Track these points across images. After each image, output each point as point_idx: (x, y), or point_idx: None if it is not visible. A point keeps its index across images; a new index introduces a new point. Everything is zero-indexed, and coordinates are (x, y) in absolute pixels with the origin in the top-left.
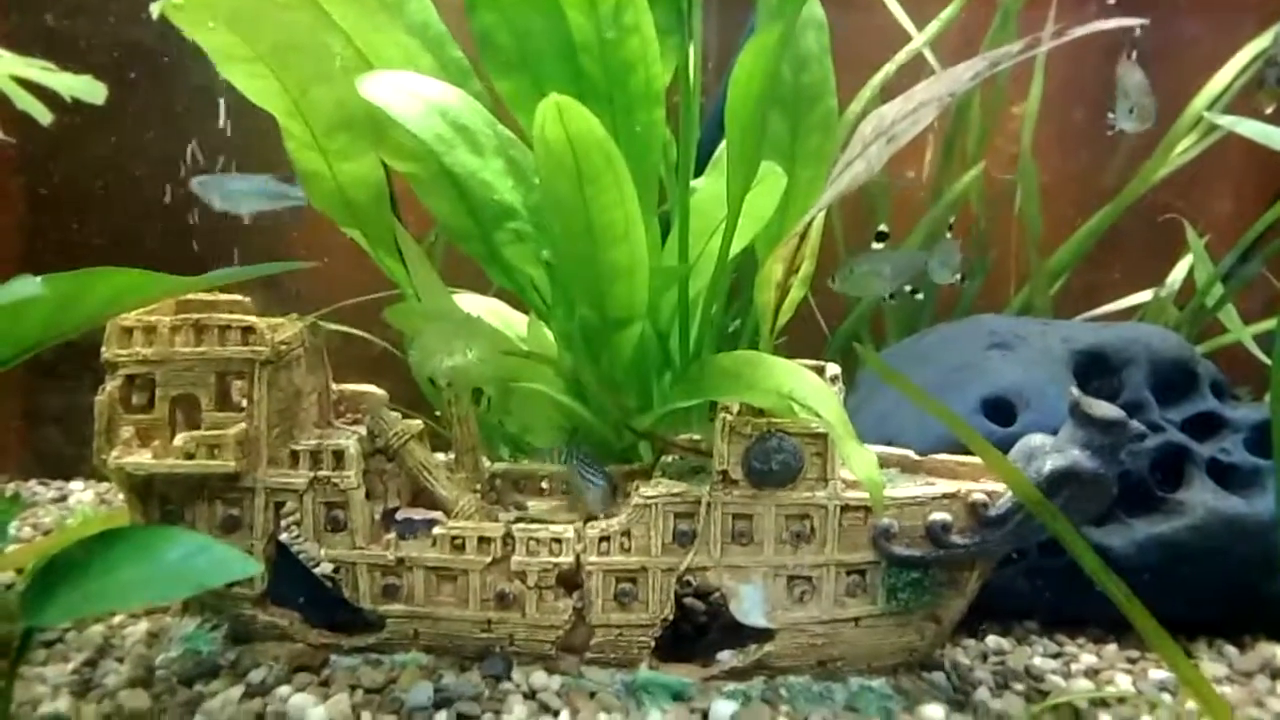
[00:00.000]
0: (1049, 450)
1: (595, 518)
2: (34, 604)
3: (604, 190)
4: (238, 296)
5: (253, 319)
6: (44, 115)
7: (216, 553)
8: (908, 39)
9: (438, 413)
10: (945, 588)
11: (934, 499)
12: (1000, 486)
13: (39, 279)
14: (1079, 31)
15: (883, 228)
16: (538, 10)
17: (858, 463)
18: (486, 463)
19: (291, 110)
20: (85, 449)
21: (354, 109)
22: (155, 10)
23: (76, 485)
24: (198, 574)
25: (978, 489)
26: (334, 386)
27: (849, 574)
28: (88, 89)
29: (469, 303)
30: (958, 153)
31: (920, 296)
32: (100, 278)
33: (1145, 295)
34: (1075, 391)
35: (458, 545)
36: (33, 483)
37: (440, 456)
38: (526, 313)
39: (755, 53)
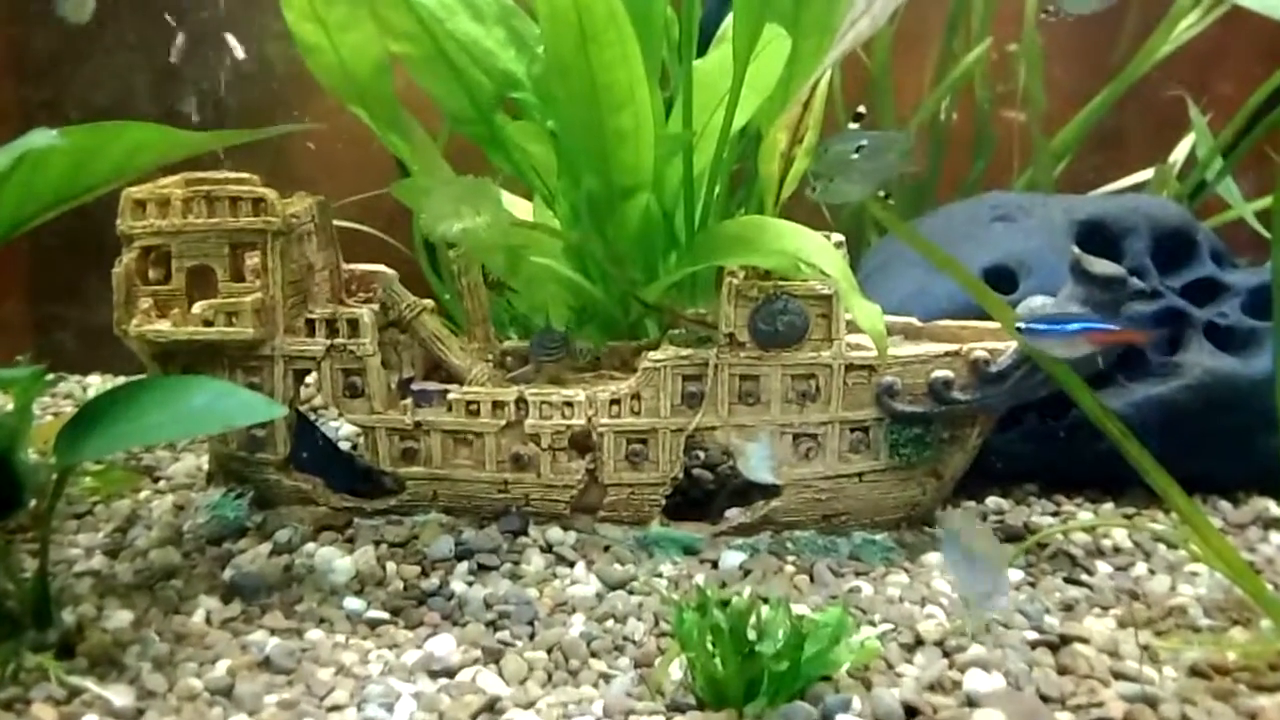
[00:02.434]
0: (1050, 309)
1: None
2: (67, 445)
3: (607, 48)
4: (246, 175)
5: (263, 190)
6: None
7: (241, 396)
8: None
9: (446, 296)
10: (947, 444)
11: (936, 356)
12: (1001, 344)
13: (55, 131)
14: None
15: (860, 109)
16: None
17: (863, 316)
18: (496, 343)
19: None
20: (101, 345)
21: None
22: None
23: (94, 379)
24: (223, 415)
25: (979, 346)
26: (344, 266)
27: (853, 431)
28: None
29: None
30: (961, 30)
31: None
32: (117, 132)
33: (1148, 174)
34: (1076, 250)
35: (473, 410)
36: (51, 378)
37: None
38: (530, 201)
39: None
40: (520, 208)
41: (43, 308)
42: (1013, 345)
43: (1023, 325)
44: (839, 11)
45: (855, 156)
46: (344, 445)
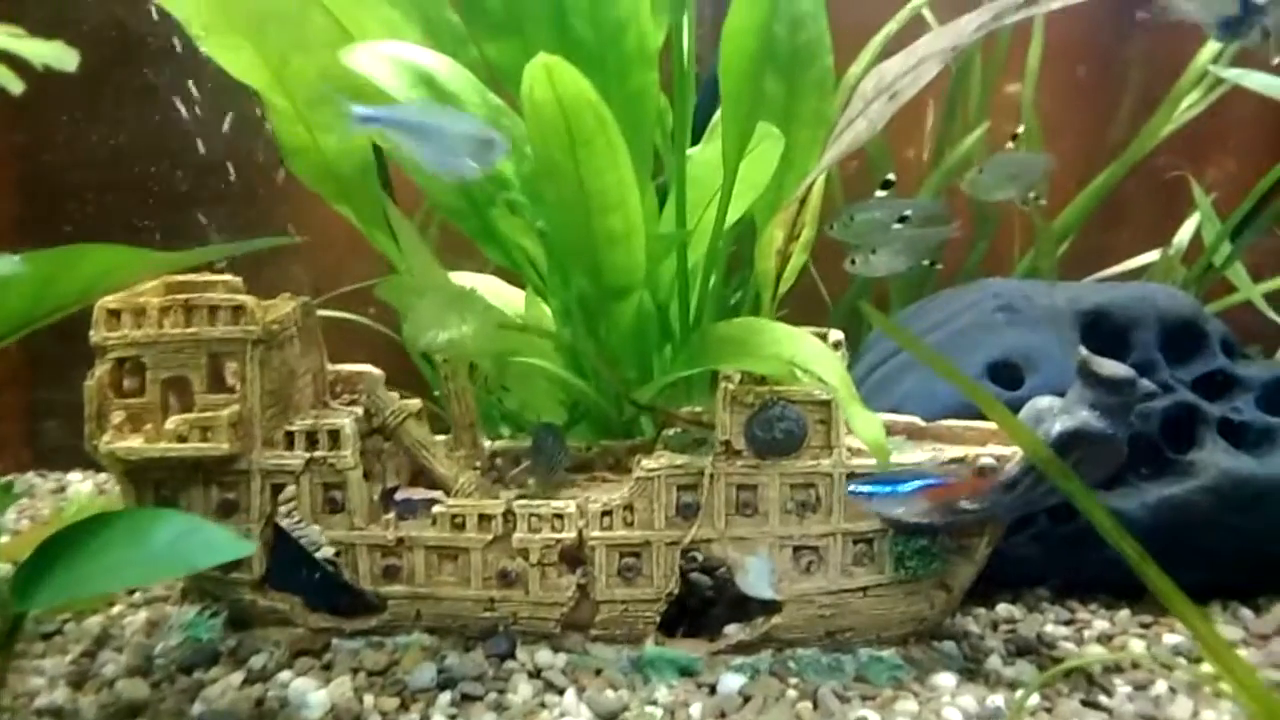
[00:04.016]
0: (1057, 412)
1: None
2: (25, 588)
3: (597, 154)
4: (228, 276)
5: (243, 298)
6: (14, 84)
7: (208, 534)
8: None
9: (435, 392)
10: (954, 555)
11: (941, 464)
12: (1008, 450)
13: (18, 257)
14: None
15: (890, 176)
16: None
17: (863, 426)
18: (486, 441)
19: (272, 83)
20: (82, 440)
21: (337, 80)
22: None
23: (75, 476)
24: (189, 555)
25: (985, 453)
26: (330, 367)
27: (856, 543)
28: (59, 56)
29: (464, 281)
30: (960, 114)
31: (940, 267)
32: (84, 255)
33: (1152, 256)
34: (1083, 350)
35: (458, 523)
36: (31, 474)
37: (440, 437)
38: (523, 289)
39: (746, 8)
40: (512, 296)
41: (36, 396)
42: (1020, 451)
43: (853, 488)
44: (832, 104)
45: (898, 226)
46: (328, 551)
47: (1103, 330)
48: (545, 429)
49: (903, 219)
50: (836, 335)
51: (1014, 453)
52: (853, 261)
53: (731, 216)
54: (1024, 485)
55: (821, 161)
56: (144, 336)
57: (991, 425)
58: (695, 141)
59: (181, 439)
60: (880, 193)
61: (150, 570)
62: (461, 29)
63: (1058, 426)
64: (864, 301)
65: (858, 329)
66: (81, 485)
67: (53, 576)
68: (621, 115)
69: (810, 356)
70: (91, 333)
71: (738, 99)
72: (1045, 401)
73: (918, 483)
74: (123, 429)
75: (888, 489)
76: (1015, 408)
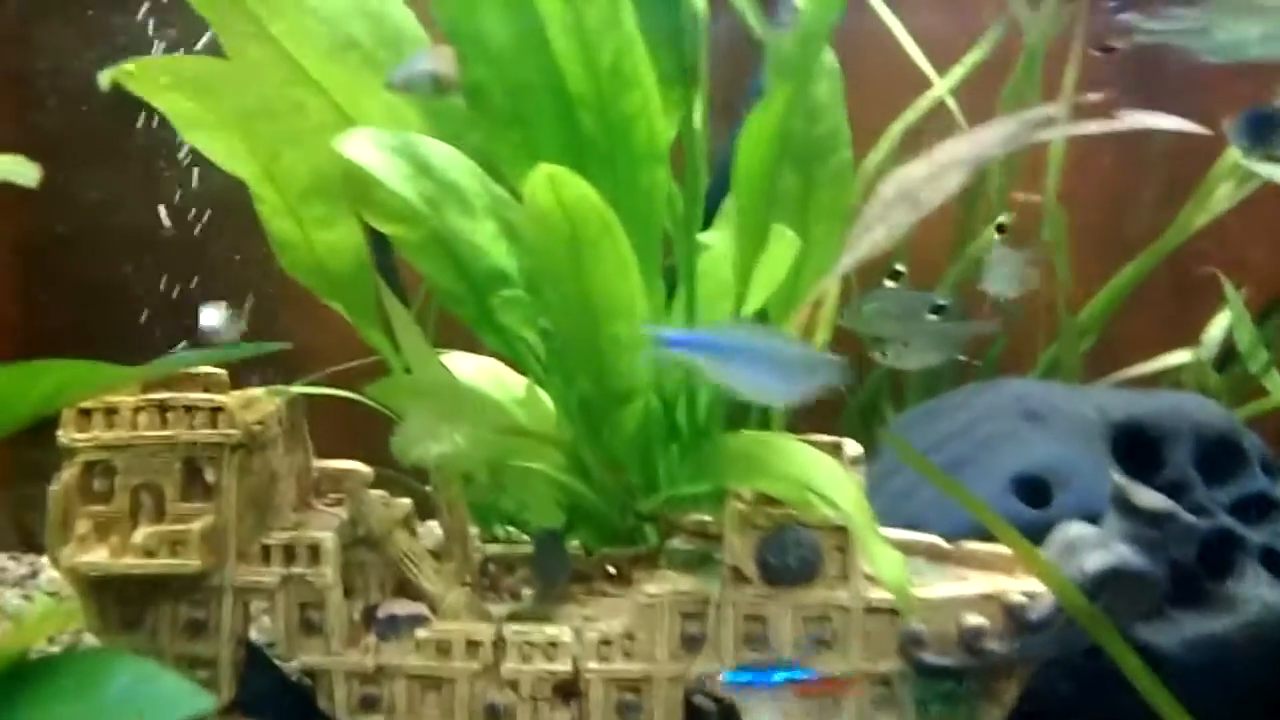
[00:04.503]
0: (1092, 545)
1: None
2: None
3: (602, 260)
4: (210, 369)
5: (222, 399)
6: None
7: (164, 684)
8: (925, 80)
9: (427, 487)
10: (981, 699)
11: (967, 600)
12: (1040, 585)
13: None
14: (1128, 123)
15: (899, 266)
16: (532, 64)
17: (883, 564)
18: (479, 545)
19: (262, 176)
20: None
21: (330, 173)
22: (104, 81)
23: (47, 560)
24: (142, 709)
25: (1016, 588)
26: (315, 464)
27: (875, 684)
28: (15, 170)
29: (462, 364)
30: (980, 204)
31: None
32: (42, 372)
33: (1180, 355)
34: (1119, 478)
35: (443, 649)
36: (2, 557)
37: (436, 528)
38: (524, 373)
39: (764, 115)
40: (511, 382)
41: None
42: None
43: (727, 678)
44: (849, 197)
45: (933, 318)
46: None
47: (1134, 443)
48: (547, 539)
49: (937, 309)
50: (853, 449)
51: (1046, 589)
52: (883, 354)
53: (744, 313)
54: (1058, 625)
55: (839, 265)
56: (115, 439)
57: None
58: (707, 224)
59: (149, 553)
60: (889, 283)
61: None
62: (464, 114)
63: (1092, 563)
64: (877, 406)
65: (873, 424)
66: (53, 571)
67: None
68: (630, 212)
69: (826, 482)
70: (59, 433)
71: (752, 203)
72: (1076, 530)
73: (786, 675)
74: (88, 539)
75: (759, 678)
76: (1043, 528)
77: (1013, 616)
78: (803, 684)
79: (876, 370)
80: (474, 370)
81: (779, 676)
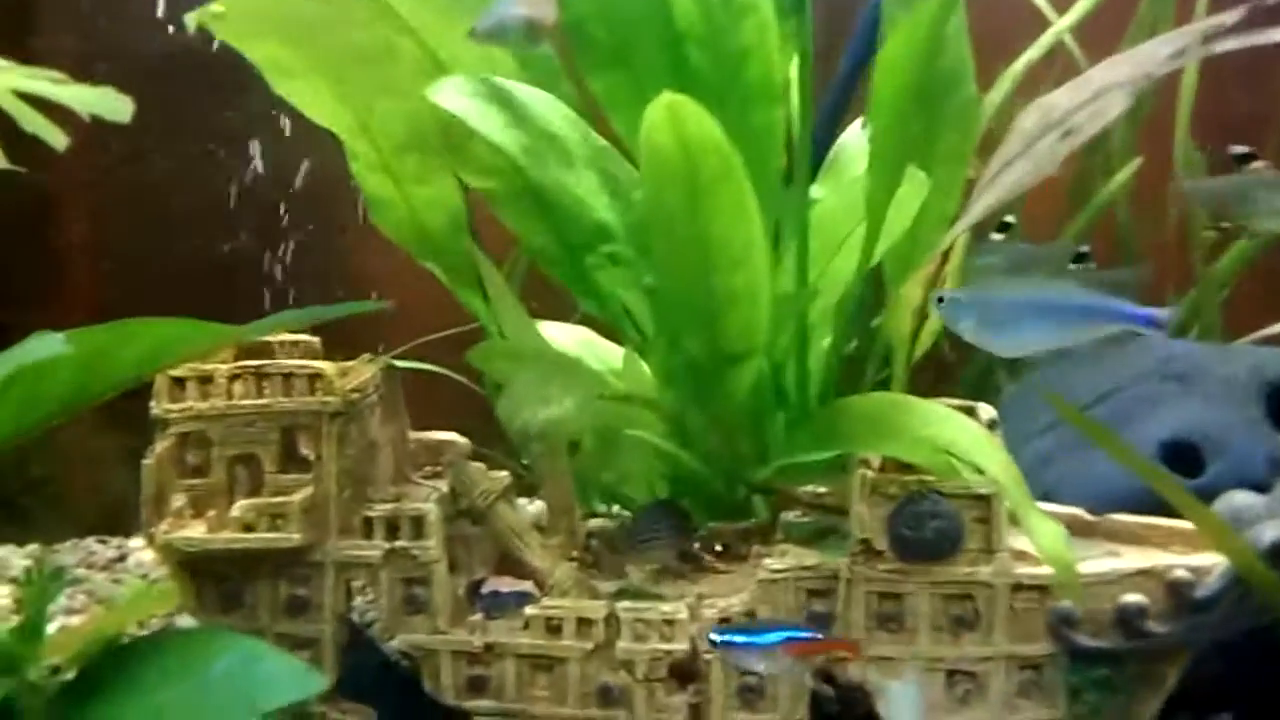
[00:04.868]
0: (1265, 515)
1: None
2: None
3: (720, 204)
4: (304, 336)
5: (320, 365)
6: (58, 139)
7: (271, 665)
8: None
9: (524, 461)
10: (1140, 685)
11: (1125, 576)
12: (1205, 559)
13: (61, 335)
14: None
15: (1009, 218)
16: None
17: (1043, 535)
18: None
19: (356, 129)
20: None
21: (427, 124)
22: (191, 22)
23: (136, 543)
24: (249, 693)
25: (1179, 563)
26: (411, 435)
27: (1022, 669)
28: (109, 105)
29: (554, 333)
30: (1102, 148)
31: None
32: (136, 331)
33: None
34: None
35: (553, 628)
36: (91, 540)
37: (528, 506)
38: (618, 342)
39: (905, 39)
40: (606, 352)
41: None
42: (1222, 562)
43: (716, 638)
44: (973, 139)
45: (1075, 267)
46: None
47: None
48: (666, 509)
49: (1079, 258)
50: (988, 412)
51: (1212, 563)
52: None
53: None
54: (1226, 603)
55: (973, 210)
56: (210, 409)
57: (1174, 523)
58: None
59: (248, 528)
60: (996, 236)
61: (203, 707)
62: (555, 62)
63: (1270, 534)
64: (993, 372)
65: (988, 392)
66: (142, 554)
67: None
68: (743, 156)
69: (969, 444)
70: (152, 404)
71: (887, 137)
72: (1243, 498)
73: (782, 634)
74: (183, 514)
75: (751, 639)
76: (1198, 498)
77: (1176, 594)
78: (800, 644)
79: None
80: (568, 341)
81: (774, 637)
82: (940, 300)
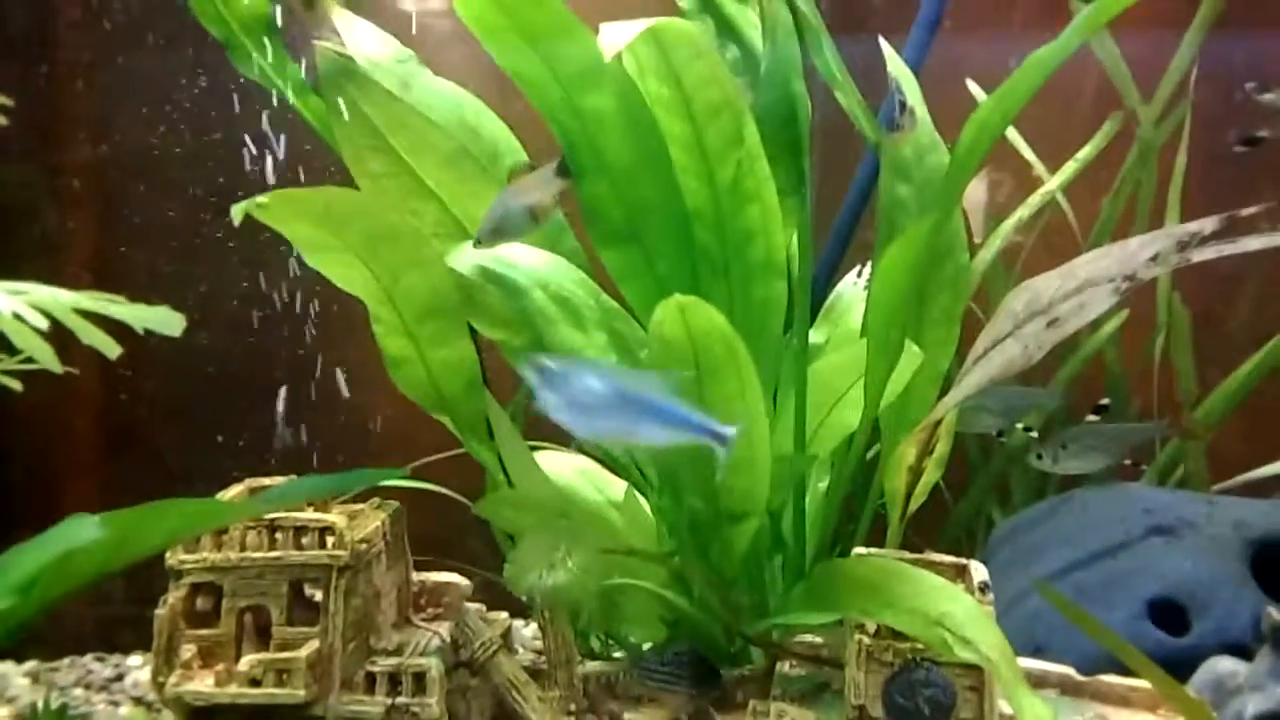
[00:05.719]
0: (1248, 686)
1: None
2: None
3: (723, 383)
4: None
5: (331, 518)
6: (111, 349)
7: None
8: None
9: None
10: None
11: None
12: None
13: (97, 519)
14: None
15: (1104, 401)
16: (651, 180)
17: (1030, 716)
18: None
19: (382, 298)
20: (146, 616)
21: (446, 290)
22: (237, 215)
23: (134, 661)
24: None
25: None
26: (414, 577)
27: None
28: (162, 320)
29: (553, 463)
30: None
31: (1034, 434)
32: (166, 511)
33: None
34: (1275, 613)
35: None
36: (89, 658)
37: (524, 629)
38: (615, 472)
39: (905, 245)
40: (604, 481)
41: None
42: None
43: None
44: (964, 301)
45: (1093, 419)
46: None
47: (1275, 563)
48: (691, 658)
49: (1098, 410)
50: (980, 574)
51: None
52: (1039, 456)
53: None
54: None
55: (965, 384)
56: (224, 560)
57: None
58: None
59: (255, 682)
60: (1091, 418)
61: None
62: (560, 220)
63: (1252, 708)
64: (984, 513)
65: (979, 530)
66: (140, 673)
67: None
68: (745, 326)
69: (963, 617)
70: (167, 555)
71: (886, 332)
72: (1226, 666)
73: None
74: (192, 665)
75: None
76: (1181, 659)
77: None
78: None
79: (981, 471)
80: (568, 470)
81: None
82: (528, 361)
